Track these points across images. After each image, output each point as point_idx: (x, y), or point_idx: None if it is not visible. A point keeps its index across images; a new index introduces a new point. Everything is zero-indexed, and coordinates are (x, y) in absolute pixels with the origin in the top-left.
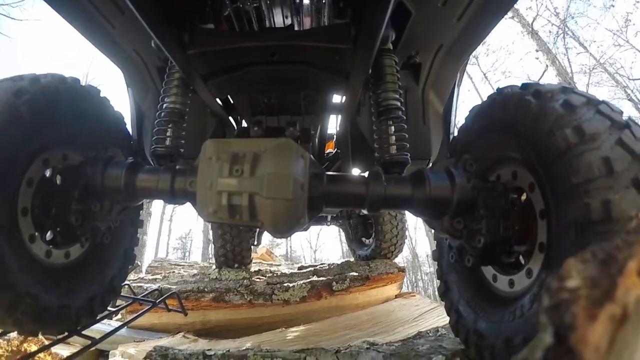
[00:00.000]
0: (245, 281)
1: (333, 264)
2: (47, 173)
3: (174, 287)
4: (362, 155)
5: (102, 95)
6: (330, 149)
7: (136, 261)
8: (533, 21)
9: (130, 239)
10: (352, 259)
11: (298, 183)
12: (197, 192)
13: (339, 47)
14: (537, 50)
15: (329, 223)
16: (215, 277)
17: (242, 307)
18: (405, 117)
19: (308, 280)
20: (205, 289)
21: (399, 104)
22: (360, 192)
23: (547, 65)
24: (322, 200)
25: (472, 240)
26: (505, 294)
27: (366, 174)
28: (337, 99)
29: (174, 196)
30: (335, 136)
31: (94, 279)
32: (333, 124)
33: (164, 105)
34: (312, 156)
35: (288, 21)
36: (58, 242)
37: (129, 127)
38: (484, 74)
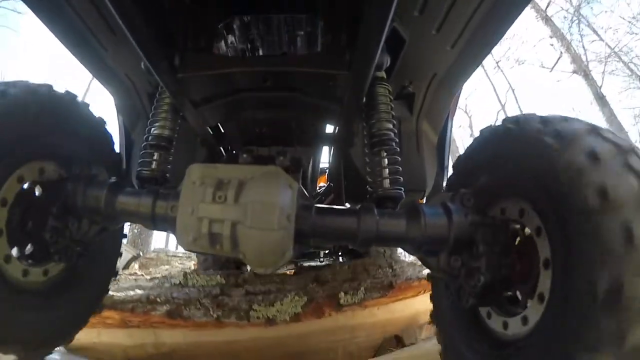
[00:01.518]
0: (215, 290)
1: (343, 262)
2: (25, 186)
3: (121, 293)
4: (356, 189)
5: (81, 103)
6: (322, 183)
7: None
8: (547, 7)
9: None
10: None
11: (284, 213)
12: (178, 218)
13: (333, 72)
14: (551, 37)
15: (322, 260)
16: (178, 282)
17: (207, 326)
18: (399, 149)
19: (304, 289)
20: (158, 299)
21: (392, 134)
22: (351, 227)
23: (561, 52)
24: (310, 234)
25: (471, 279)
26: (499, 334)
27: (357, 208)
28: (329, 130)
29: (155, 221)
30: (327, 170)
31: (85, 288)
32: (325, 159)
33: (152, 130)
34: (301, 186)
35: (281, 46)
36: (34, 259)
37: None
38: (497, 62)
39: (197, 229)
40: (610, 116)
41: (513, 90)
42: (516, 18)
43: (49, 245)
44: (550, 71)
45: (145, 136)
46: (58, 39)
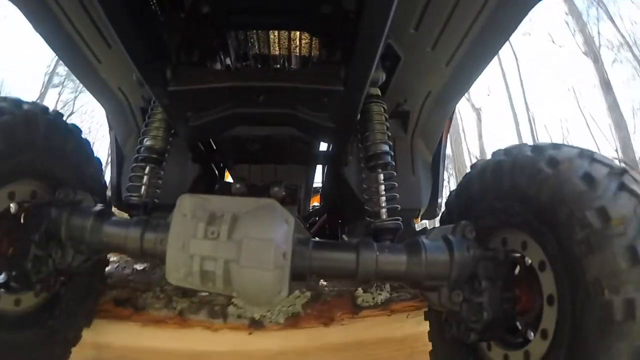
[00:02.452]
0: None
1: None
2: (12, 208)
3: None
4: (350, 209)
5: (70, 125)
6: (316, 202)
7: None
8: None
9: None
10: None
11: (280, 251)
12: (167, 252)
13: (327, 88)
14: (567, 14)
15: None
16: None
17: (168, 324)
18: (395, 170)
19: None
20: (108, 279)
21: (389, 157)
22: (349, 264)
23: (574, 31)
24: (306, 271)
25: (474, 314)
26: None
27: (356, 242)
28: (323, 148)
29: (143, 254)
30: (321, 189)
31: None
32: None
33: (142, 148)
34: (297, 219)
35: (275, 61)
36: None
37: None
38: None
39: (188, 266)
40: (612, 104)
41: (517, 61)
42: (510, 35)
43: (31, 275)
44: (560, 47)
45: (135, 156)
46: (51, 48)
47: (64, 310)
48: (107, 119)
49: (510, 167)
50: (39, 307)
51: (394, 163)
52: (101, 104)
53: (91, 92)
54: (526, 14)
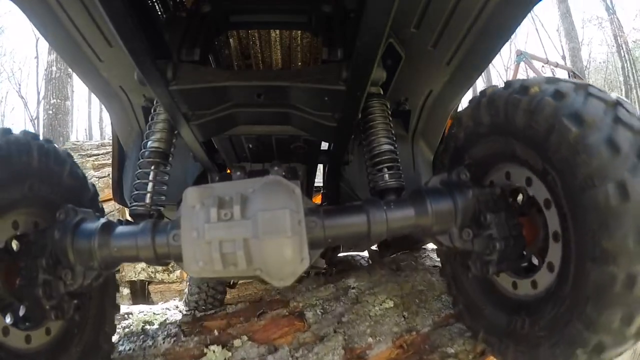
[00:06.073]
0: None
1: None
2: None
3: None
4: None
5: (47, 143)
6: (317, 202)
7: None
8: None
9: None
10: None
11: (295, 218)
12: (183, 245)
13: (328, 87)
14: None
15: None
16: None
17: None
18: (399, 165)
19: None
20: None
21: (394, 154)
22: (361, 224)
23: None
24: (322, 237)
25: (486, 246)
26: (510, 294)
27: (363, 203)
28: (324, 147)
29: (157, 257)
30: (322, 189)
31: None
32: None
33: (146, 152)
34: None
35: (277, 61)
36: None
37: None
38: None
39: (207, 252)
40: (565, 13)
41: None
42: (511, 34)
43: (43, 302)
44: None
45: (140, 154)
46: (54, 49)
47: (83, 336)
48: (110, 118)
49: (487, 106)
50: (61, 334)
51: (399, 159)
52: (102, 102)
53: (93, 91)
54: (527, 13)
